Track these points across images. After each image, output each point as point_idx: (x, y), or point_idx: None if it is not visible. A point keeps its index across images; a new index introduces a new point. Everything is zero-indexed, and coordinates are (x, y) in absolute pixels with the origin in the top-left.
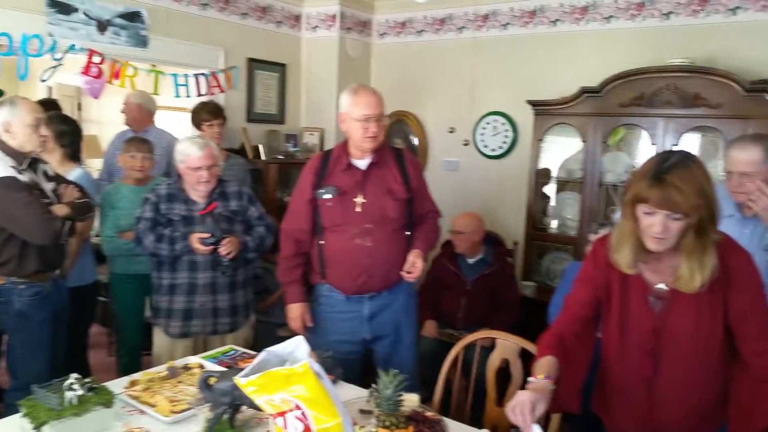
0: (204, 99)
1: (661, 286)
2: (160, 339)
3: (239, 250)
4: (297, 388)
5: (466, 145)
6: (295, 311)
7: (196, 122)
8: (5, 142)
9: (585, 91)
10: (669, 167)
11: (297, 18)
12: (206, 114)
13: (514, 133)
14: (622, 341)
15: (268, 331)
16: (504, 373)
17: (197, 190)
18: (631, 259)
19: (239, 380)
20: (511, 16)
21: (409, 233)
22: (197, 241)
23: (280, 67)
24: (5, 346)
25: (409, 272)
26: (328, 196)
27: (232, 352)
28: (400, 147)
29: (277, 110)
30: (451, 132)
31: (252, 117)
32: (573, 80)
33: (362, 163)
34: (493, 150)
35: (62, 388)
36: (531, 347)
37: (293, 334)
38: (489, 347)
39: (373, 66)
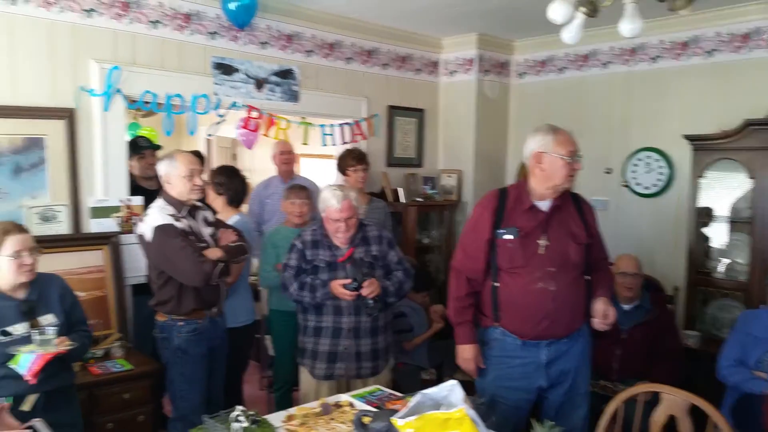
0: (348, 146)
1: None
2: (306, 379)
3: (380, 294)
4: None
5: (625, 186)
6: (469, 353)
7: (342, 168)
8: (167, 192)
9: (750, 123)
10: None
11: (435, 64)
12: (351, 160)
13: (669, 169)
14: None
15: (411, 374)
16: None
17: (337, 237)
18: None
19: (397, 421)
20: (661, 48)
21: (587, 278)
22: (340, 287)
23: (418, 113)
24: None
25: (602, 320)
26: (510, 236)
27: (379, 392)
28: (577, 192)
29: (415, 154)
30: (607, 173)
31: (392, 161)
32: (734, 112)
33: (544, 205)
34: (647, 188)
35: (229, 420)
36: (702, 403)
37: (437, 377)
38: (652, 402)
39: (511, 106)
